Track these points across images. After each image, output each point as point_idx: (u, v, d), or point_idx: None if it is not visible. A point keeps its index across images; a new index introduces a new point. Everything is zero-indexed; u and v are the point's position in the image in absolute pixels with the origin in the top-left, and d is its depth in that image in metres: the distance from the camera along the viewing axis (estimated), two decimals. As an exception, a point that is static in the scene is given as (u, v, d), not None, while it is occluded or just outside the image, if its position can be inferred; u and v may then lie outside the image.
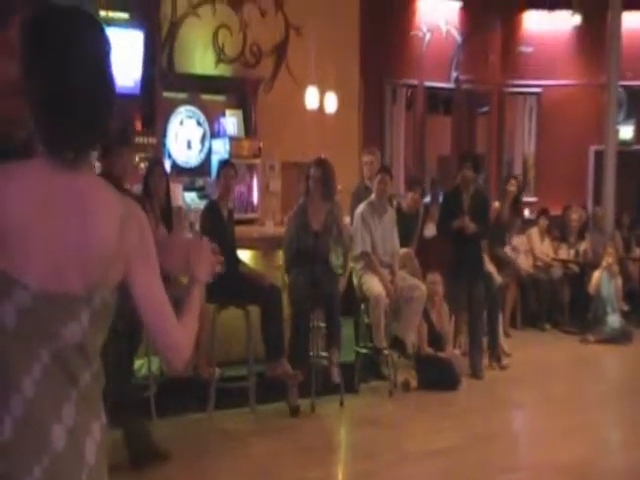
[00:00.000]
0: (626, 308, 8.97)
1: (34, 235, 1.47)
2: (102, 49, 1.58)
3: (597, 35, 10.79)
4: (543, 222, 9.54)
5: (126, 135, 5.39)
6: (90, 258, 1.51)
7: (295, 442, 5.13)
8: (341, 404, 5.88)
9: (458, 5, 11.04)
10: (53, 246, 1.48)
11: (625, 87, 10.82)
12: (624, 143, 11.07)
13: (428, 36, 10.81)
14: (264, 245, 6.55)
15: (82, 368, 1.55)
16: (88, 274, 1.52)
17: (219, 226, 5.80)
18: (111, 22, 7.65)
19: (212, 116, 8.84)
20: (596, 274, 8.75)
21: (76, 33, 1.54)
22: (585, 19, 11.34)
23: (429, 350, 6.65)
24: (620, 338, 8.46)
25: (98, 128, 1.57)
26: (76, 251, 1.50)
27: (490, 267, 7.47)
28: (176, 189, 7.39)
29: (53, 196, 1.49)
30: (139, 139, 8.00)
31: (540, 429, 5.79)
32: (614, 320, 8.65)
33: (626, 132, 11.46)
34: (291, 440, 5.17)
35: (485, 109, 11.73)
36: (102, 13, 7.56)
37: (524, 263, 9.02)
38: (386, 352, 6.31)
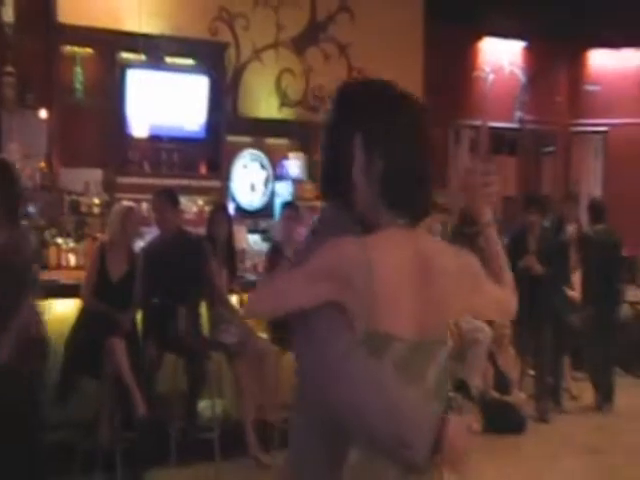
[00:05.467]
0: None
1: (403, 295, 1.69)
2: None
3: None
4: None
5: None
6: (442, 307, 1.76)
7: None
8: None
9: (522, 45, 10.99)
10: (416, 302, 1.71)
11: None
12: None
13: (491, 76, 10.78)
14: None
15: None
16: (442, 320, 1.78)
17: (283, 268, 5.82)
18: (177, 68, 7.86)
19: (275, 159, 8.94)
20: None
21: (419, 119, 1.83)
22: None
23: (494, 394, 6.51)
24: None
25: (431, 195, 1.82)
26: (432, 303, 1.73)
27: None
28: (240, 232, 7.46)
29: (408, 258, 1.73)
30: (204, 183, 8.14)
31: (611, 477, 5.58)
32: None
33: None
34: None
35: (551, 149, 11.58)
36: (168, 60, 7.76)
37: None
38: (450, 395, 6.19)
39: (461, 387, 6.74)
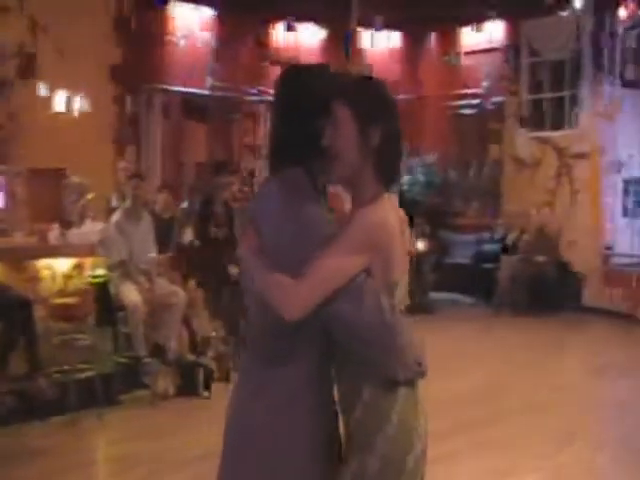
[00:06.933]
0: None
1: (398, 248, 2.03)
2: None
3: (341, 48, 11.43)
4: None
5: None
6: (406, 252, 2.12)
7: (57, 461, 4.92)
8: (100, 417, 5.73)
9: (212, 13, 11.15)
10: (400, 251, 2.05)
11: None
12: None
13: (183, 42, 10.81)
14: (13, 257, 6.20)
15: None
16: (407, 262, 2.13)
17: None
18: None
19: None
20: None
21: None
22: (329, 33, 12.02)
23: (191, 356, 6.67)
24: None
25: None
26: (403, 250, 2.07)
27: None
28: None
29: (395, 218, 2.06)
30: None
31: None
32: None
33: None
34: (52, 460, 4.95)
35: (237, 116, 11.87)
36: None
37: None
38: (146, 360, 6.25)
39: (157, 352, 6.89)
